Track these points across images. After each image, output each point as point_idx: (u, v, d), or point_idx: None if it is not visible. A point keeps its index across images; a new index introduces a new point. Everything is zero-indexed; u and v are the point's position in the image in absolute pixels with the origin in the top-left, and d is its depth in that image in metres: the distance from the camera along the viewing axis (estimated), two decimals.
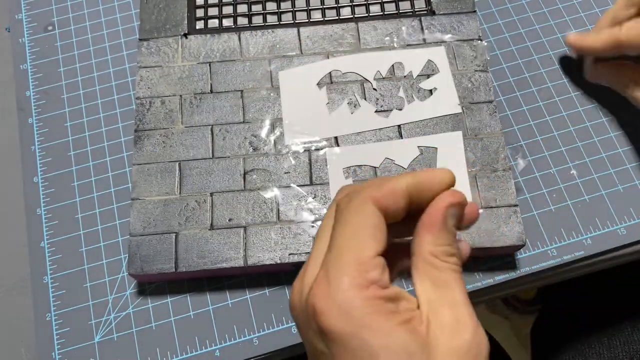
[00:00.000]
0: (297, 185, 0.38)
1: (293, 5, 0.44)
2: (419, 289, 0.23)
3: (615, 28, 0.38)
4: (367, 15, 0.44)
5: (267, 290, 0.38)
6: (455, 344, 0.22)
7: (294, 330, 0.37)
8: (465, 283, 0.24)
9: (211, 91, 0.41)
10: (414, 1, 0.44)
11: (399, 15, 0.43)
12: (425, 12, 0.43)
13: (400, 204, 0.24)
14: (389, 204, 0.23)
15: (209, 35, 0.43)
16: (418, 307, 0.23)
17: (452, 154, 0.39)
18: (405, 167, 0.39)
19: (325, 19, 0.44)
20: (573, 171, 0.41)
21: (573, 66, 0.44)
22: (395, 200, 0.24)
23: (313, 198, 0.38)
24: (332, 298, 0.21)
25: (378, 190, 0.24)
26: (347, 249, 0.22)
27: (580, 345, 0.49)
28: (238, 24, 0.44)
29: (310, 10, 0.44)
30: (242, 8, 0.45)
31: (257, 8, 0.44)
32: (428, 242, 0.24)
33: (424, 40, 0.42)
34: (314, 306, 0.22)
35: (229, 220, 0.37)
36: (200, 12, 0.44)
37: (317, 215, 0.37)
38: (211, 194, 0.38)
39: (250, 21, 0.44)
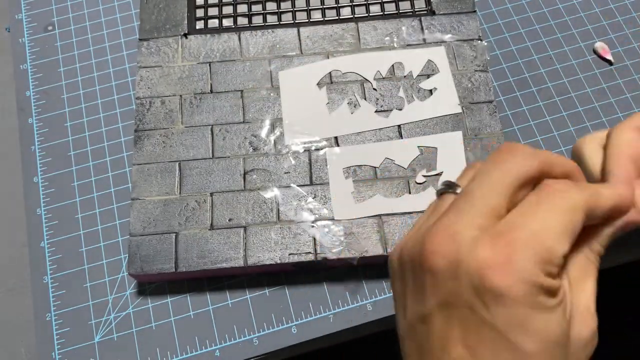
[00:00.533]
0: (297, 185, 0.38)
1: (293, 5, 0.44)
2: (571, 265, 0.24)
3: None
4: (367, 15, 0.44)
5: (267, 290, 0.38)
6: (584, 333, 0.22)
7: (294, 330, 0.37)
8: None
9: (211, 91, 0.41)
10: (414, 1, 0.44)
11: (399, 15, 0.43)
12: (425, 12, 0.43)
13: (592, 223, 0.24)
14: (587, 222, 0.23)
15: (209, 35, 0.43)
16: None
17: (452, 154, 0.39)
18: (405, 167, 0.39)
19: (325, 19, 0.44)
20: None
21: (573, 66, 0.44)
22: (593, 221, 0.24)
23: (313, 198, 0.38)
24: (514, 269, 0.21)
25: (594, 204, 0.23)
26: (548, 237, 0.22)
27: None
28: (238, 24, 0.44)
29: (310, 10, 0.44)
30: (242, 8, 0.45)
31: (257, 8, 0.44)
32: (597, 236, 0.24)
33: (424, 40, 0.42)
34: (492, 267, 0.21)
35: (229, 220, 0.37)
36: (200, 12, 0.44)
37: (317, 215, 0.37)
38: (211, 194, 0.38)
39: (250, 21, 0.44)
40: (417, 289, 0.23)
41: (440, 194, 0.25)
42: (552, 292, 0.22)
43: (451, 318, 0.22)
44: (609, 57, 0.44)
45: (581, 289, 0.23)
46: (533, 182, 0.24)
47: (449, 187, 0.25)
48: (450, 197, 0.25)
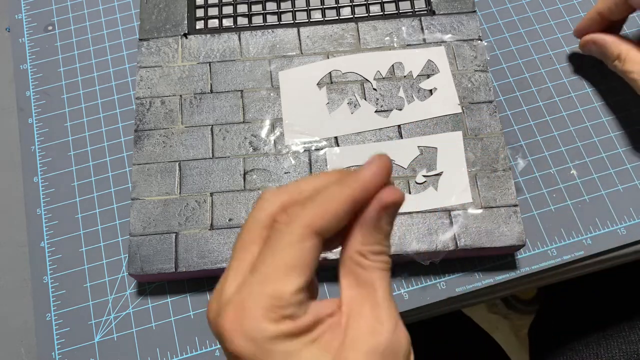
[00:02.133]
0: None
1: (293, 5, 0.44)
2: (343, 287, 0.23)
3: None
4: (367, 15, 0.44)
5: None
6: (371, 344, 0.22)
7: None
8: (390, 281, 0.24)
9: (211, 91, 0.41)
10: (414, 1, 0.44)
11: (399, 15, 0.43)
12: (425, 12, 0.43)
13: (342, 225, 0.23)
14: (331, 229, 0.22)
15: (209, 35, 0.43)
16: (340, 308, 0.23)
17: (452, 154, 0.39)
18: (405, 167, 0.39)
19: (325, 19, 0.44)
20: (573, 171, 0.41)
21: (573, 66, 0.44)
22: (339, 224, 0.23)
23: None
24: (241, 326, 0.21)
25: (321, 217, 0.22)
26: (272, 280, 0.21)
27: (578, 346, 0.49)
28: (238, 24, 0.44)
29: (310, 10, 0.44)
30: (242, 8, 0.45)
31: (257, 8, 0.44)
32: (357, 242, 0.23)
33: (424, 40, 0.42)
34: (222, 329, 0.22)
35: (229, 220, 0.37)
36: (200, 12, 0.44)
37: None
38: (211, 194, 0.38)
39: (250, 21, 0.44)
40: None
41: None
42: (297, 333, 0.21)
43: None
44: None
45: (365, 302, 0.23)
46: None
47: None
48: None
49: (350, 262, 0.23)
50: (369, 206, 0.23)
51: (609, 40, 0.41)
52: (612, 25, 0.41)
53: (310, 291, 0.23)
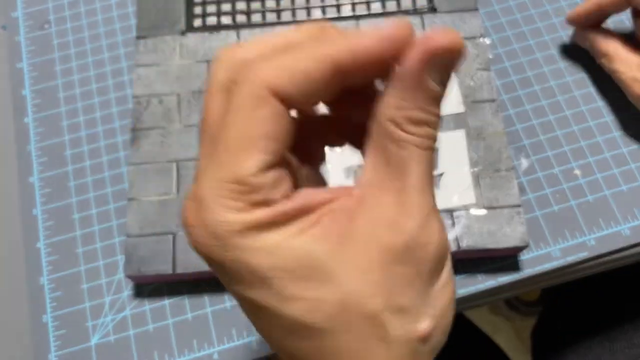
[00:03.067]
0: None
1: (292, 3, 0.44)
2: (366, 169, 0.18)
3: None
4: (368, 13, 0.43)
5: None
6: (386, 240, 0.17)
7: None
8: (433, 166, 0.19)
9: None
10: None
11: (400, 13, 0.43)
12: (427, 10, 0.43)
13: (319, 93, 0.17)
14: (300, 95, 0.16)
15: (207, 33, 0.43)
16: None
17: (454, 153, 0.38)
18: None
19: (326, 17, 0.43)
20: (576, 171, 0.40)
21: (576, 64, 0.44)
22: (311, 89, 0.17)
23: None
24: (202, 220, 0.17)
25: (283, 75, 0.16)
26: (226, 162, 0.16)
27: (581, 349, 0.49)
28: (237, 21, 0.44)
29: (310, 8, 0.44)
30: (241, 5, 0.44)
31: (255, 5, 0.44)
32: (391, 105, 0.17)
33: None
34: (185, 227, 0.18)
35: None
36: (198, 10, 0.44)
37: None
38: None
39: (249, 19, 0.44)
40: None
41: None
42: (276, 222, 0.17)
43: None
44: None
45: (389, 188, 0.17)
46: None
47: None
48: None
49: (379, 133, 0.17)
50: (408, 54, 0.17)
51: (598, 36, 0.41)
52: (606, 15, 0.41)
53: (291, 172, 0.18)
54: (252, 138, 0.16)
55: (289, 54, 0.17)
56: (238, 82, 0.17)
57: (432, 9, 0.43)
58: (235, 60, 0.17)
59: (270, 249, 0.16)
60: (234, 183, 0.16)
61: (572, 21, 0.42)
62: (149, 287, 0.38)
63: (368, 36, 0.17)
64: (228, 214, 0.16)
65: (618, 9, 0.40)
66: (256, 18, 0.44)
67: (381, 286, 0.17)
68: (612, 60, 0.40)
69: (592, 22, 0.41)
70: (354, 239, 0.17)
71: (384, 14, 0.43)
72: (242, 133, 0.16)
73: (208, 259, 0.17)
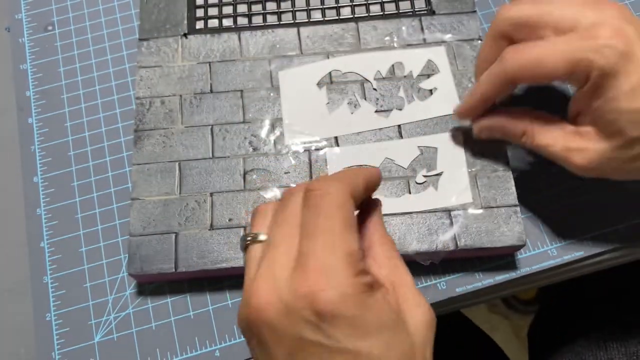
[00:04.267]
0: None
1: (293, 5, 0.44)
2: (378, 270, 0.25)
3: (494, 65, 0.33)
4: (367, 15, 0.44)
5: None
6: (422, 318, 0.24)
7: None
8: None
9: (211, 91, 0.41)
10: (414, 1, 0.44)
11: (399, 15, 0.43)
12: (425, 12, 0.43)
13: (360, 200, 0.26)
14: (358, 198, 0.26)
15: (208, 35, 0.43)
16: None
17: (452, 153, 0.39)
18: (405, 167, 0.38)
19: (325, 19, 0.44)
20: None
21: None
22: (360, 195, 0.26)
23: None
24: (331, 285, 0.22)
25: (353, 184, 0.26)
26: (339, 239, 0.23)
27: (577, 347, 0.49)
28: (238, 23, 0.44)
29: (310, 10, 0.44)
30: (242, 8, 0.45)
31: (257, 8, 0.44)
32: (376, 231, 0.27)
33: (424, 40, 0.42)
34: (312, 294, 0.22)
35: (229, 220, 0.37)
36: (200, 12, 0.44)
37: None
38: (211, 194, 0.38)
39: (250, 21, 0.44)
40: (264, 347, 0.23)
41: (246, 247, 0.27)
42: (375, 286, 0.23)
43: None
44: None
45: (401, 283, 0.25)
46: None
47: (253, 238, 0.27)
48: (257, 247, 0.26)
49: (379, 245, 0.27)
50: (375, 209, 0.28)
51: (504, 120, 0.36)
52: (494, 103, 0.36)
53: None
54: (351, 224, 0.24)
55: (345, 175, 0.28)
56: (317, 190, 0.25)
57: (430, 11, 0.43)
58: (301, 188, 0.27)
59: (382, 307, 0.23)
60: (349, 254, 0.23)
61: (462, 117, 0.38)
62: (151, 286, 0.39)
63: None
64: (354, 278, 0.22)
65: (505, 93, 0.35)
66: (257, 20, 0.44)
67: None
68: (533, 136, 0.34)
69: (482, 112, 0.36)
70: (402, 315, 0.25)
71: (383, 16, 0.43)
72: (344, 220, 0.24)
73: (337, 311, 0.22)
